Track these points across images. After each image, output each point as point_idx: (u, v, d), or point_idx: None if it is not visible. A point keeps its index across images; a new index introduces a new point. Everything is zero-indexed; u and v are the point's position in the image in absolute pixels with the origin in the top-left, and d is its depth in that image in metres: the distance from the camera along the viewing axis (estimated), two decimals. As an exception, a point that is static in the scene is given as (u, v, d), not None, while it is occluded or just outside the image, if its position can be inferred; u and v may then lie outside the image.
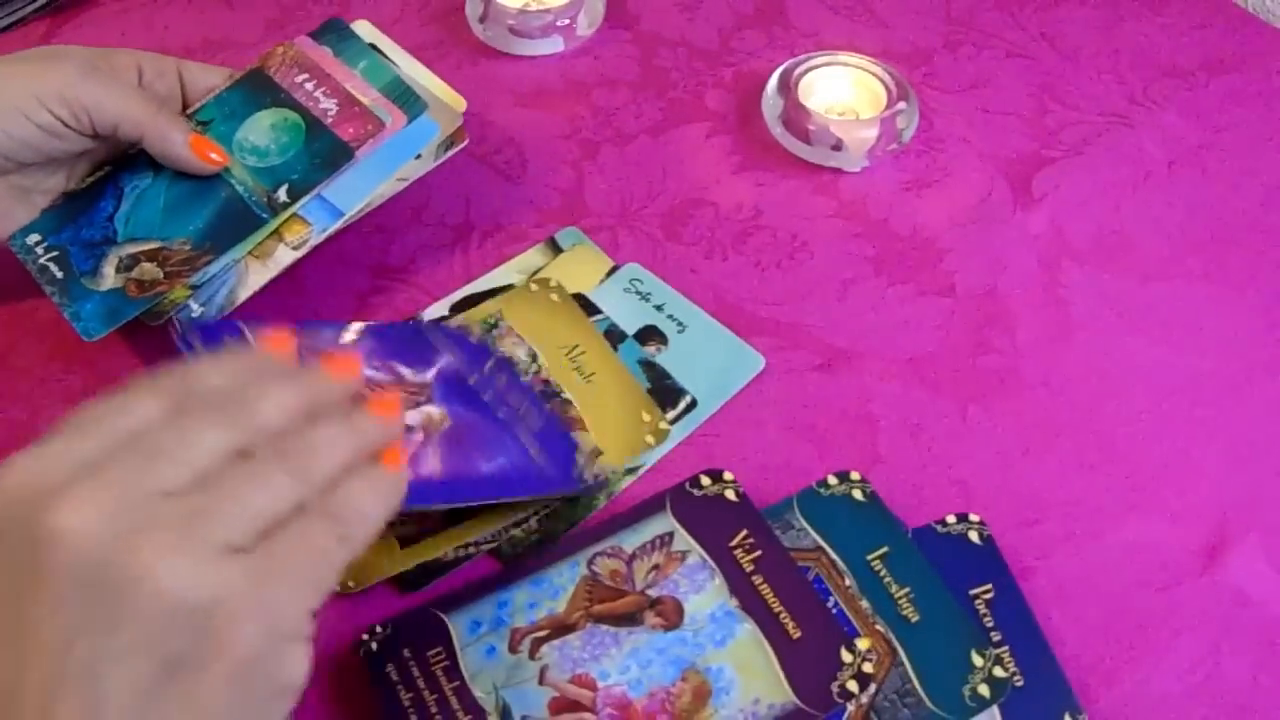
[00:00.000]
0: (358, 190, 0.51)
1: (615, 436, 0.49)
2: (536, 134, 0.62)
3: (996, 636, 0.43)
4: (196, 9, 0.69)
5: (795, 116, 0.60)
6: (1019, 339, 0.54)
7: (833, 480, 0.47)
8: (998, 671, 0.42)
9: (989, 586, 0.44)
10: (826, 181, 0.60)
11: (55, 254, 0.50)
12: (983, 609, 0.44)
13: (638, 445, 0.49)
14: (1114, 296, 0.55)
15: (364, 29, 0.58)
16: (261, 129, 0.52)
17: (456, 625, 0.43)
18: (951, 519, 0.46)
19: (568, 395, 0.50)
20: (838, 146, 0.60)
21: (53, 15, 0.68)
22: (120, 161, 0.52)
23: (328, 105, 0.52)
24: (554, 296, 0.54)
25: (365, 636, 0.43)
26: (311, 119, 0.51)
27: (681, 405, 0.50)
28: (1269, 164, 0.61)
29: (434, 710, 0.41)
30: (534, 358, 0.52)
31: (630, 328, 0.53)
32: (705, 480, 0.47)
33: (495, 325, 0.53)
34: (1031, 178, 0.60)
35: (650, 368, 0.52)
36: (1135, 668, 0.44)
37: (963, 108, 0.64)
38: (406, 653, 0.43)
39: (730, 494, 0.46)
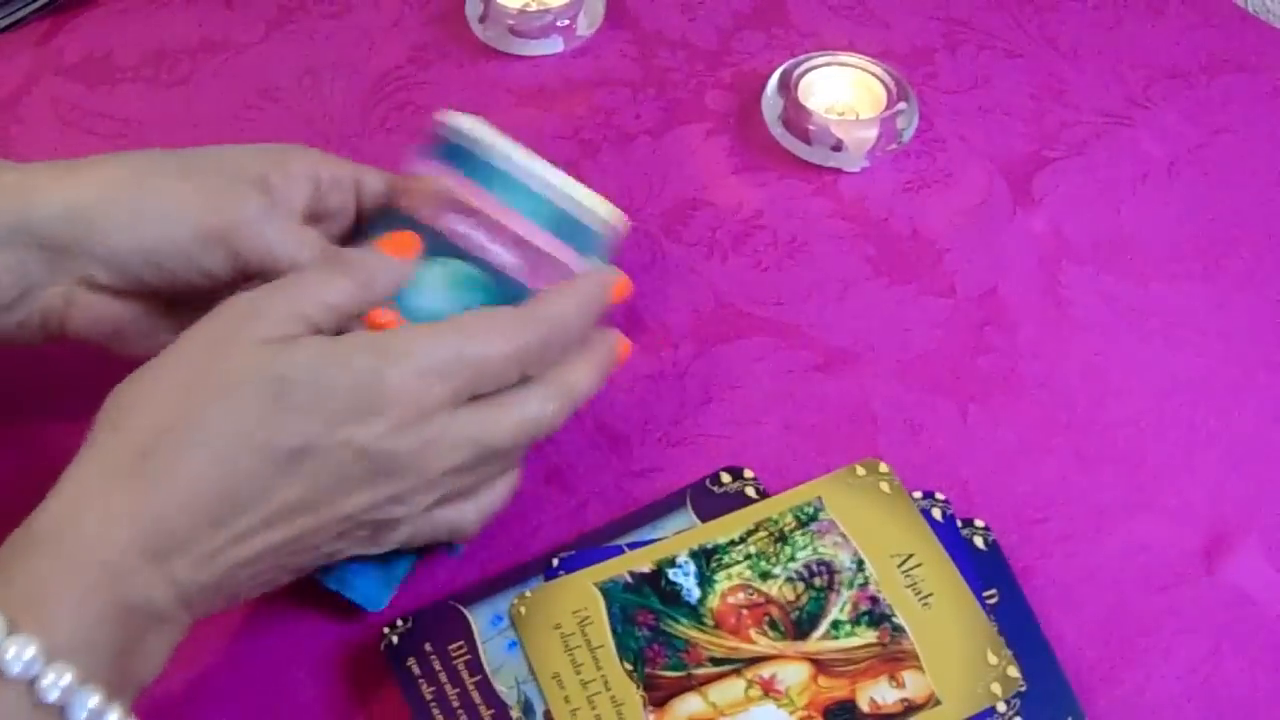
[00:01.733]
0: None
1: (954, 680, 0.41)
2: (536, 134, 0.62)
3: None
4: (196, 9, 0.69)
5: (795, 116, 0.60)
6: (1019, 339, 0.54)
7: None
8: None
9: (994, 592, 0.44)
10: (826, 181, 0.60)
11: None
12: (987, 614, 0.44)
13: (981, 695, 0.41)
14: (1114, 296, 0.55)
15: (472, 127, 0.45)
16: (438, 291, 0.43)
17: (478, 619, 0.43)
18: (958, 523, 0.46)
19: (900, 620, 0.43)
20: (838, 146, 0.60)
21: (53, 15, 0.68)
22: None
23: (502, 253, 0.43)
24: (884, 486, 0.46)
25: (386, 630, 0.43)
26: (493, 272, 0.43)
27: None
28: (1269, 164, 0.62)
29: (456, 704, 0.41)
30: (860, 565, 0.44)
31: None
32: (725, 477, 0.47)
33: (814, 517, 0.45)
34: (1031, 178, 0.60)
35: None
36: (1135, 668, 0.44)
37: (963, 108, 0.64)
38: (428, 646, 0.43)
39: (750, 491, 0.46)
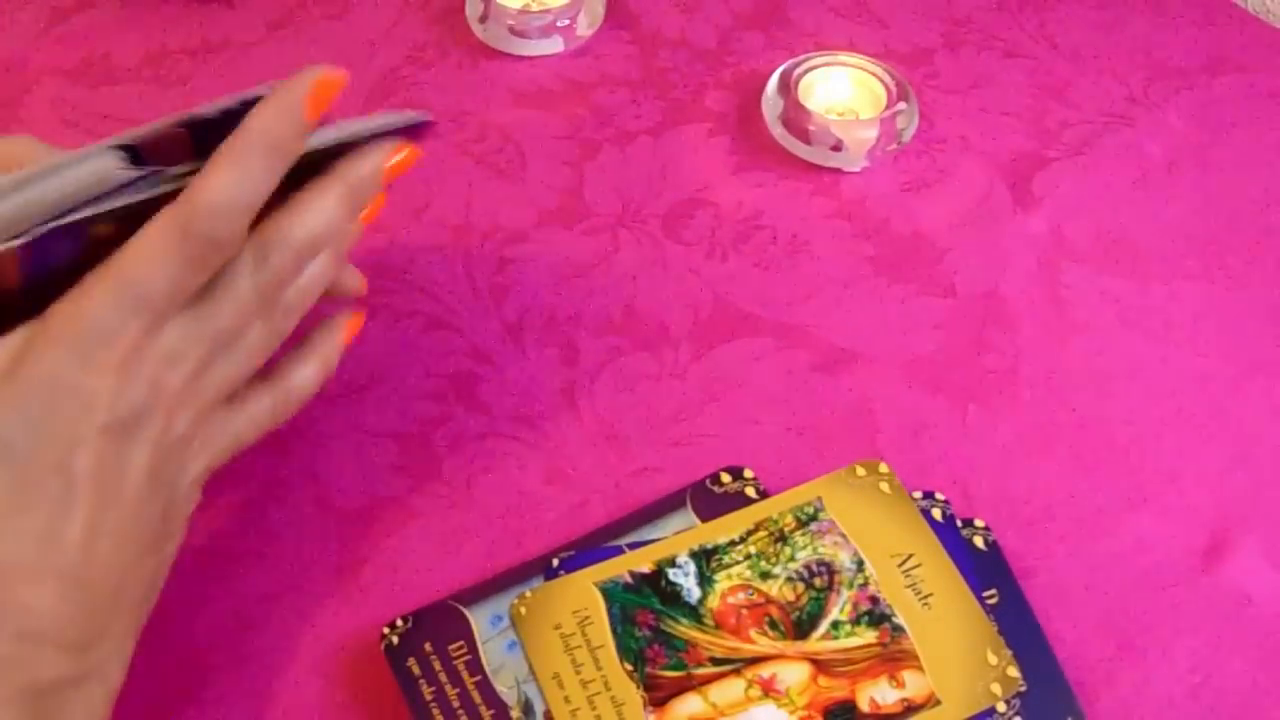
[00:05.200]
0: None
1: (954, 680, 0.41)
2: (536, 134, 0.62)
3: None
4: (196, 9, 0.69)
5: (795, 117, 0.60)
6: (1019, 339, 0.54)
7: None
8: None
9: (994, 592, 0.44)
10: (826, 182, 0.60)
11: None
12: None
13: (981, 695, 0.41)
14: (1114, 296, 0.55)
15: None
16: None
17: (478, 619, 0.43)
18: (958, 523, 0.46)
19: (900, 620, 0.43)
20: (838, 147, 0.60)
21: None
22: None
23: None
24: (884, 486, 0.46)
25: (386, 630, 0.43)
26: None
27: None
28: (1269, 164, 0.62)
29: (456, 704, 0.41)
30: (860, 565, 0.44)
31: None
32: (725, 477, 0.47)
33: (814, 517, 0.45)
34: (1031, 178, 0.60)
35: None
36: (1135, 668, 0.44)
37: (963, 108, 0.64)
38: (428, 646, 0.43)
39: (750, 491, 0.46)
